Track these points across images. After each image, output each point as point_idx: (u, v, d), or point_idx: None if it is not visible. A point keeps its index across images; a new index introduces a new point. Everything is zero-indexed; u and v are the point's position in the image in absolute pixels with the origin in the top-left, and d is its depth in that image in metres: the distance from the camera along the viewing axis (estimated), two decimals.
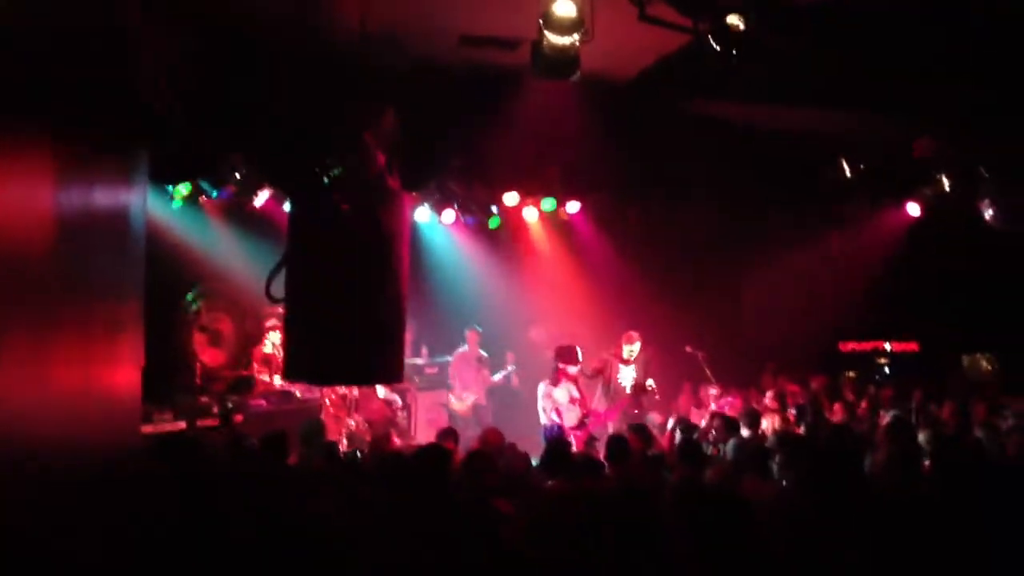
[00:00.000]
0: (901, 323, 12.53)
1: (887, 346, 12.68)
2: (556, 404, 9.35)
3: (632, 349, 10.38)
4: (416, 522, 3.68)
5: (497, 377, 11.71)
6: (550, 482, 5.19)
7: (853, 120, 9.92)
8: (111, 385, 4.76)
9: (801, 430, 8.33)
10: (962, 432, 7.93)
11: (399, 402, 10.88)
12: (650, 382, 10.06)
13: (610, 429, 9.28)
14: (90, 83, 4.31)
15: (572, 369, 9.49)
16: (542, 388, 9.45)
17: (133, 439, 5.68)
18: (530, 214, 11.69)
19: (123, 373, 5.04)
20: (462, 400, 11.48)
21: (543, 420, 9.37)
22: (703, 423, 8.64)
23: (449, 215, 11.39)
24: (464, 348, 11.67)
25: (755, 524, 4.23)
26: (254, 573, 3.35)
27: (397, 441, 8.45)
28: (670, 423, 8.58)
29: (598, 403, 10.28)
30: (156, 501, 4.11)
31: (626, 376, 10.35)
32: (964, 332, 11.94)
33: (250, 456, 6.12)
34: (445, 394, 11.63)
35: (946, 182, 10.75)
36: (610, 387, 10.36)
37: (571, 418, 9.32)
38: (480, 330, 11.66)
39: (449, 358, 11.76)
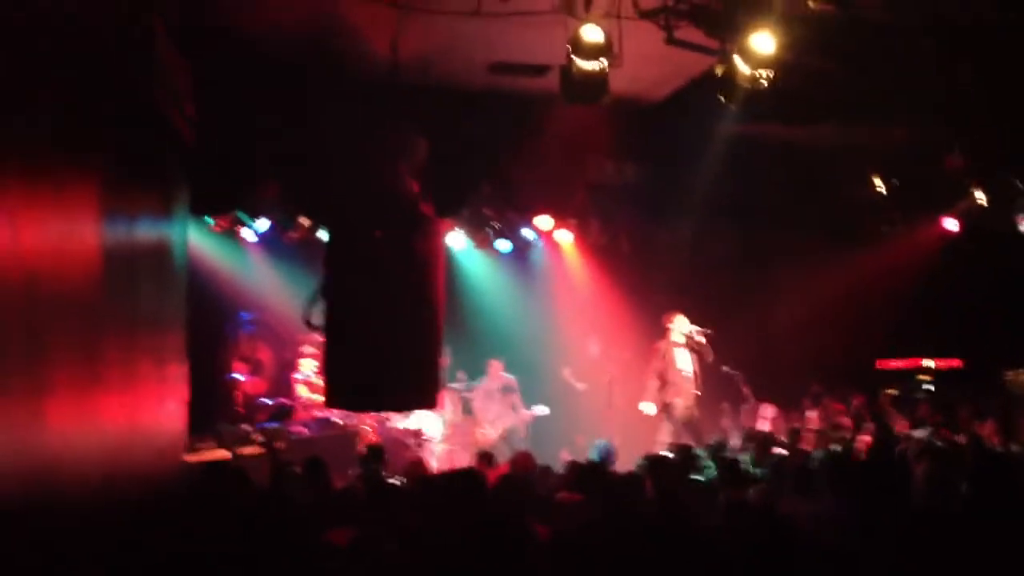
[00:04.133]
0: (944, 339, 12.30)
1: (928, 363, 12.44)
2: None
3: (676, 327, 9.89)
4: (450, 543, 3.71)
5: (528, 411, 11.08)
6: (578, 500, 5.17)
7: (885, 136, 9.88)
8: (157, 416, 4.86)
9: (840, 448, 8.24)
10: (1005, 448, 7.83)
11: (424, 432, 10.60)
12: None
13: None
14: (130, 119, 4.45)
15: None
16: None
17: (178, 468, 5.79)
18: (563, 237, 11.73)
19: (168, 404, 5.15)
20: (485, 434, 10.90)
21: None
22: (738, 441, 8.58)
23: (482, 240, 11.44)
24: (483, 380, 11.19)
25: (802, 545, 4.22)
26: None
27: (432, 465, 8.44)
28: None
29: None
30: (201, 529, 4.18)
31: (683, 360, 9.90)
32: (1010, 348, 11.71)
33: (293, 482, 6.18)
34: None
35: (980, 196, 10.62)
36: (666, 380, 9.79)
37: None
38: (502, 359, 11.16)
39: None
